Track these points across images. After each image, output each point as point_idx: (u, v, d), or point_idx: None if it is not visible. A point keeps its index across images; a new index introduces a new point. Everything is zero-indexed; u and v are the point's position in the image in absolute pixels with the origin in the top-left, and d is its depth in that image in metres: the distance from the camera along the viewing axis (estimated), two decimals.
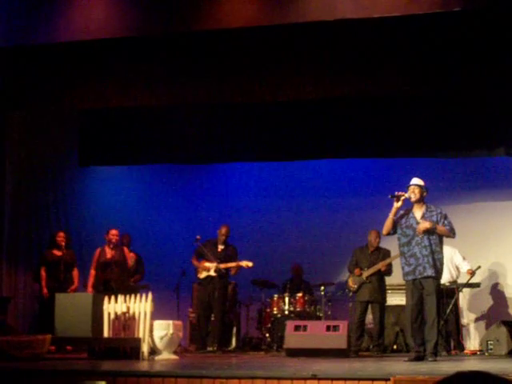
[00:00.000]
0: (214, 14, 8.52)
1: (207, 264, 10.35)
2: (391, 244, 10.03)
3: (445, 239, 8.14)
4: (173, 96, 9.53)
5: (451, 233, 8.04)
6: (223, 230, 10.52)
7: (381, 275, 10.06)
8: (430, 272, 7.82)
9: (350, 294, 10.20)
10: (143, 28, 8.71)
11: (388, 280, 10.41)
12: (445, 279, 9.97)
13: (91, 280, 10.30)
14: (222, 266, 10.24)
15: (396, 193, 7.92)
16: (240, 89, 9.40)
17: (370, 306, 10.04)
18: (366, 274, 9.99)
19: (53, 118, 11.43)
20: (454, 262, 10.44)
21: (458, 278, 10.41)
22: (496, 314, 10.95)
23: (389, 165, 11.52)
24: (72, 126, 11.79)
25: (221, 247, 10.47)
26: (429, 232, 7.88)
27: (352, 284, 10.09)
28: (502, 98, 9.84)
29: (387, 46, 8.66)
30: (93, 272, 10.33)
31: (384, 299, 10.16)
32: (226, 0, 8.54)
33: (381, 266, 9.97)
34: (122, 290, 9.55)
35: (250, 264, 10.22)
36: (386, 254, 10.14)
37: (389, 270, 10.10)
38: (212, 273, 10.30)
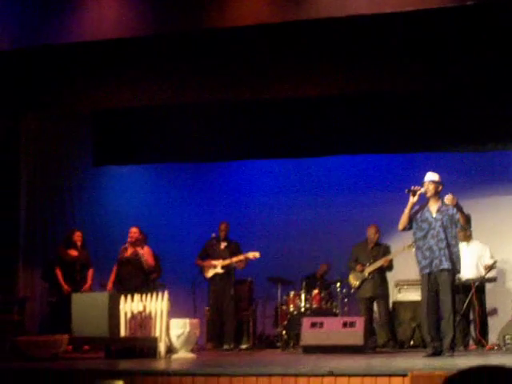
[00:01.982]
0: (226, 12, 8.53)
1: (213, 262, 10.38)
2: (392, 239, 10.05)
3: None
4: (186, 94, 9.55)
5: (467, 223, 8.03)
6: (222, 227, 10.62)
7: (382, 271, 10.02)
8: (446, 265, 7.78)
9: (352, 290, 10.14)
10: (155, 27, 8.73)
11: (403, 275, 10.36)
12: (471, 275, 9.84)
13: (112, 276, 10.35)
14: (228, 261, 10.27)
15: (412, 187, 7.89)
16: (251, 86, 9.40)
17: (374, 303, 10.01)
18: (368, 270, 9.93)
19: (67, 117, 11.45)
20: (483, 260, 10.23)
21: (486, 275, 10.23)
22: None
23: (402, 160, 11.44)
24: (86, 125, 11.82)
25: (224, 244, 10.52)
26: (445, 226, 7.83)
27: (353, 281, 10.03)
28: None
29: (400, 41, 8.62)
30: (115, 268, 10.37)
31: (387, 294, 10.12)
32: None
33: (383, 261, 9.92)
34: (132, 288, 9.52)
35: (257, 254, 10.25)
36: (387, 249, 10.11)
37: (390, 266, 10.05)
38: (219, 270, 10.34)
